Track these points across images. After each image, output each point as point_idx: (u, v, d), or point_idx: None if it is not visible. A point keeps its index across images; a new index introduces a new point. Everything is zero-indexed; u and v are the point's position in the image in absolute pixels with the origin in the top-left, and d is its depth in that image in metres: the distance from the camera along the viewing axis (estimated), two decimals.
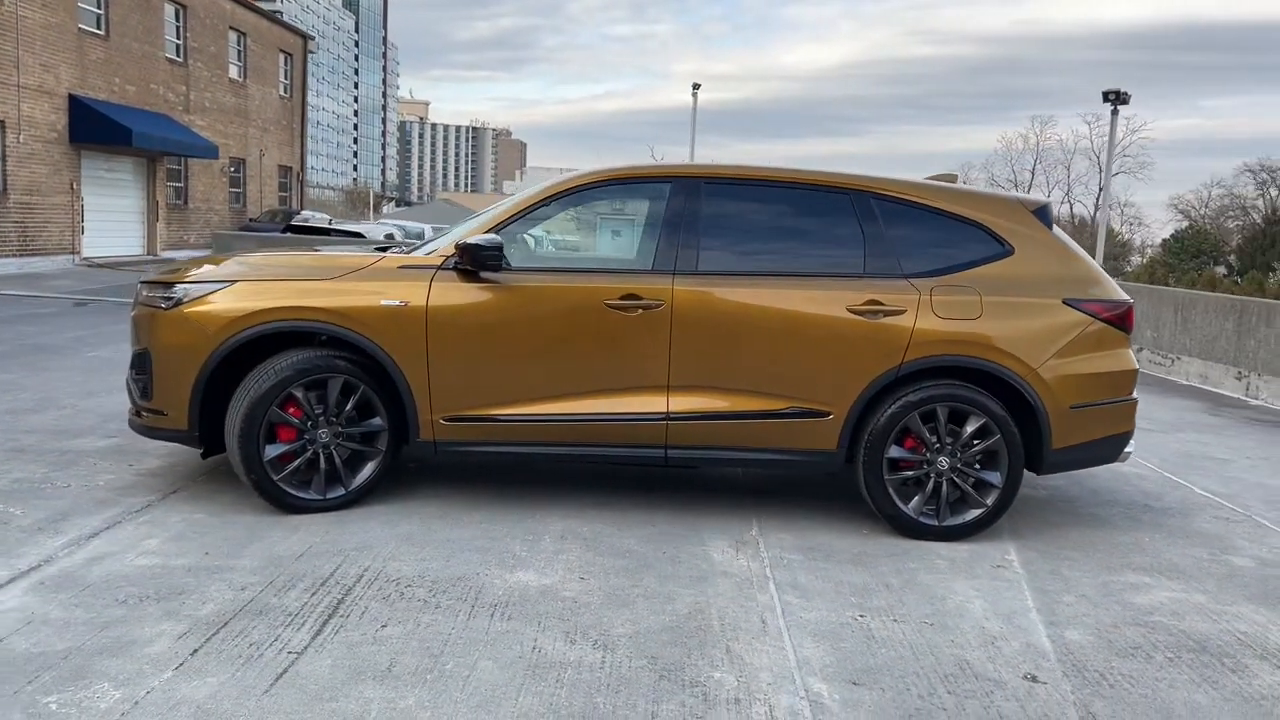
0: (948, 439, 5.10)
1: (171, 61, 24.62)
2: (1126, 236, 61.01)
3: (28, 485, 5.23)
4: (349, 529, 4.81)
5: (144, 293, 5.18)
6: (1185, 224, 57.30)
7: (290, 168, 33.05)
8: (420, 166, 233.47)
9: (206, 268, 5.18)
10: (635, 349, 5.03)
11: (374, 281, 4.99)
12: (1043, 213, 5.41)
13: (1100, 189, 30.60)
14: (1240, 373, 11.31)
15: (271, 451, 4.91)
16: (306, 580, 4.16)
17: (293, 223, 17.62)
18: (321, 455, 5.00)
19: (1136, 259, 57.95)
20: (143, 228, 24.00)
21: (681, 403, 5.06)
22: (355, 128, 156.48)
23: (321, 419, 4.97)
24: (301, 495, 4.98)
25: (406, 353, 4.94)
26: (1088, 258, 5.46)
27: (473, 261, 4.90)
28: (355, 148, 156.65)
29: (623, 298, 5.00)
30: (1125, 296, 5.35)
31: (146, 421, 5.11)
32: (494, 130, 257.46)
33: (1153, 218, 61.13)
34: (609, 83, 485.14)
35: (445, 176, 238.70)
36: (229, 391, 4.99)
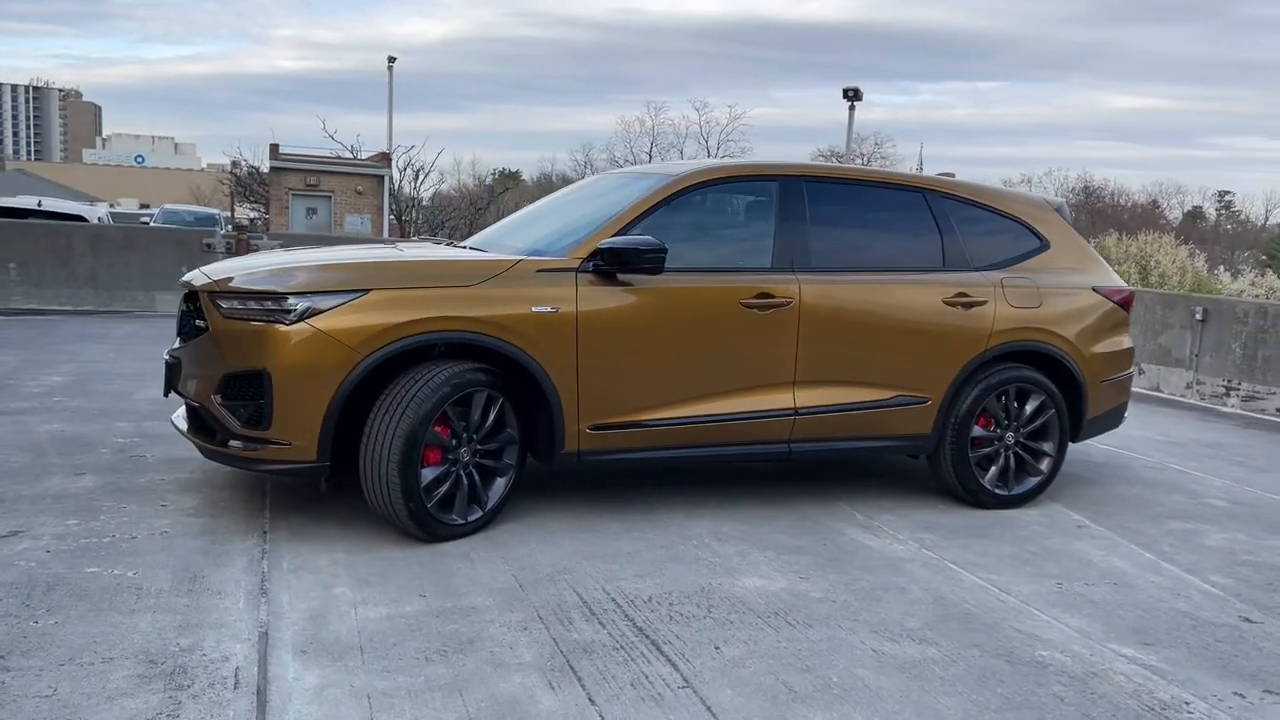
0: (1014, 416, 5.66)
1: None
2: None
3: (87, 543, 4.33)
4: (518, 551, 4.48)
5: (234, 304, 4.45)
6: None
7: None
8: None
9: (313, 273, 4.53)
10: (767, 347, 5.10)
11: (518, 287, 4.65)
12: (1061, 210, 6.11)
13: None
14: None
15: (427, 476, 4.45)
16: (569, 610, 3.87)
17: None
18: (463, 475, 4.60)
19: None
20: None
21: (806, 397, 5.20)
22: None
23: (464, 436, 4.58)
24: (449, 521, 4.56)
25: (557, 361, 4.66)
26: (1093, 250, 6.25)
27: (628, 264, 4.71)
28: None
29: (756, 296, 5.04)
30: (1125, 284, 6.19)
31: (256, 453, 4.40)
32: (61, 91, 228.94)
33: None
34: (199, 44, 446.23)
35: (2, 142, 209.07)
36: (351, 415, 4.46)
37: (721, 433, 5.06)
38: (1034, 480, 5.76)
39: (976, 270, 5.61)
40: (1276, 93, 78.60)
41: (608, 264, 4.74)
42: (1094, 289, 5.92)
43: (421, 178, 39.15)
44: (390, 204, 30.43)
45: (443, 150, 71.44)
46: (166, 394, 4.91)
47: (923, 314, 5.40)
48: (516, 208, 41.22)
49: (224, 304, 4.47)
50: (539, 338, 4.62)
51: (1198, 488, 6.53)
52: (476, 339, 4.52)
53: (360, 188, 28.18)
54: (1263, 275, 33.91)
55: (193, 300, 4.79)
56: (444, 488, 4.51)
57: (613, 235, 4.83)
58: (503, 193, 44.12)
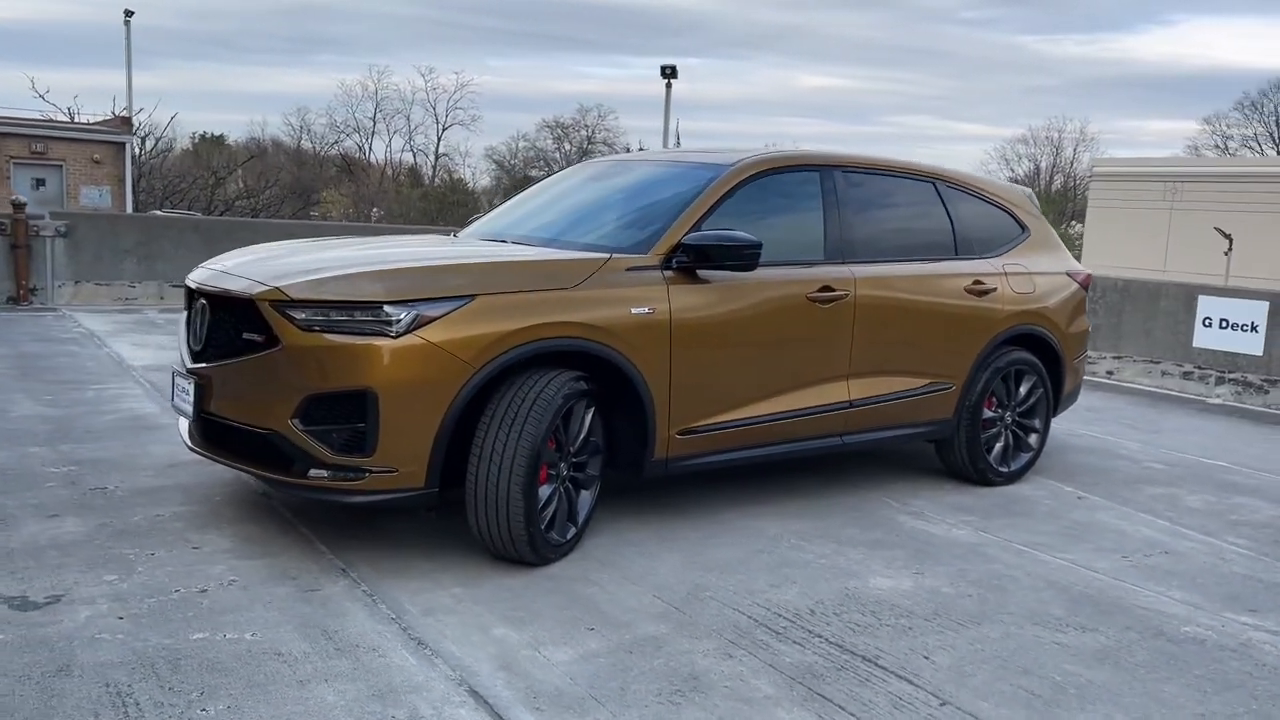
0: (1012, 397, 5.93)
1: None
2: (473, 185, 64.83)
3: (158, 603, 3.67)
4: (630, 569, 4.22)
5: (316, 315, 3.87)
6: (500, 175, 62.68)
7: None
8: None
9: (414, 278, 4.01)
10: (828, 340, 5.06)
11: (613, 288, 4.34)
12: (1031, 199, 6.43)
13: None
14: None
15: (542, 495, 4.09)
16: (750, 631, 3.69)
17: None
18: (561, 492, 4.27)
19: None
20: None
21: (859, 389, 5.21)
22: None
23: (564, 450, 4.25)
24: (554, 541, 4.22)
25: (653, 365, 4.41)
26: (1056, 235, 6.62)
27: (718, 260, 4.50)
28: None
29: (820, 289, 4.98)
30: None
31: (352, 483, 3.87)
32: None
33: (479, 166, 67.58)
34: None
35: None
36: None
37: (789, 429, 4.98)
38: (1026, 456, 6.07)
39: (981, 258, 5.81)
40: (945, 77, 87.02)
41: (693, 260, 4.51)
42: (1067, 273, 6.28)
43: (160, 143, 35.72)
44: (134, 174, 27.55)
45: (175, 114, 65.49)
46: (199, 416, 4.21)
47: (950, 301, 5.54)
48: (261, 178, 38.50)
49: (300, 315, 3.88)
50: (638, 341, 4.34)
51: (1125, 453, 7.11)
52: (584, 346, 4.19)
53: (97, 156, 25.28)
54: None
55: (224, 307, 4.15)
56: (552, 507, 4.17)
57: (689, 230, 4.61)
58: (247, 160, 41.04)
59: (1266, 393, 9.59)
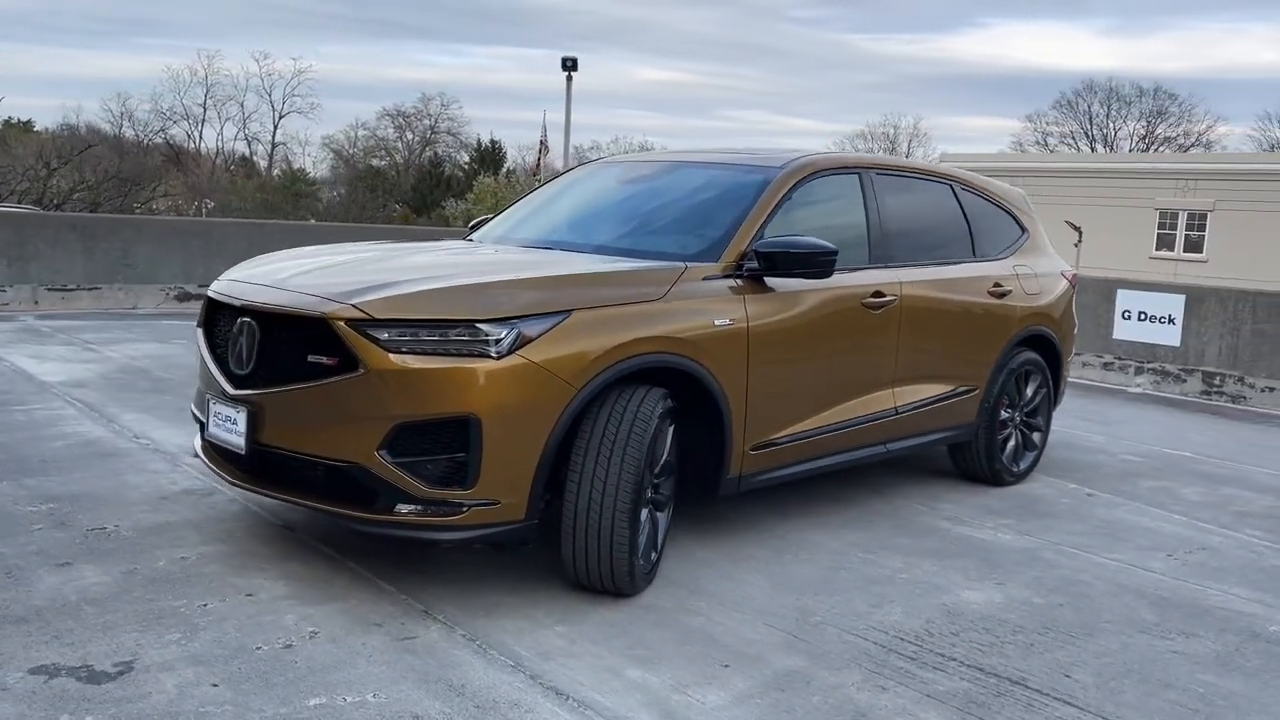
0: (1021, 397, 5.99)
1: None
2: (312, 173, 62.23)
3: (248, 667, 3.26)
4: (725, 595, 4.02)
5: (404, 335, 3.50)
6: (338, 164, 60.35)
7: None
8: None
9: (510, 292, 3.68)
10: (878, 346, 4.98)
11: (694, 299, 4.11)
12: (1026, 200, 6.50)
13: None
14: None
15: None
16: (884, 659, 3.55)
17: None
18: (649, 515, 4.03)
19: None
20: None
21: (903, 396, 5.14)
22: None
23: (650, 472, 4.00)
24: (643, 568, 3.96)
25: (732, 378, 4.21)
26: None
27: (789, 268, 4.33)
28: None
29: (873, 295, 4.88)
30: None
31: (448, 519, 3.53)
32: None
33: (317, 156, 64.75)
34: None
35: None
36: None
37: (843, 440, 4.86)
38: (1031, 455, 6.14)
39: (994, 260, 5.83)
40: (778, 73, 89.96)
41: (763, 268, 4.33)
42: (1061, 273, 6.38)
43: None
44: None
45: (2, 98, 59.69)
46: (251, 447, 3.76)
47: (978, 304, 5.54)
48: (97, 171, 35.29)
49: (384, 335, 3.51)
50: (720, 354, 4.14)
51: (1095, 446, 7.31)
52: (673, 361, 3.95)
53: None
54: None
55: (281, 326, 3.72)
56: (644, 533, 3.92)
57: (754, 236, 4.43)
58: (86, 149, 38.29)
59: (1184, 381, 10.08)
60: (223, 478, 4.01)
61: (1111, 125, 61.56)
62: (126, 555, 4.06)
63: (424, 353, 3.49)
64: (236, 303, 3.89)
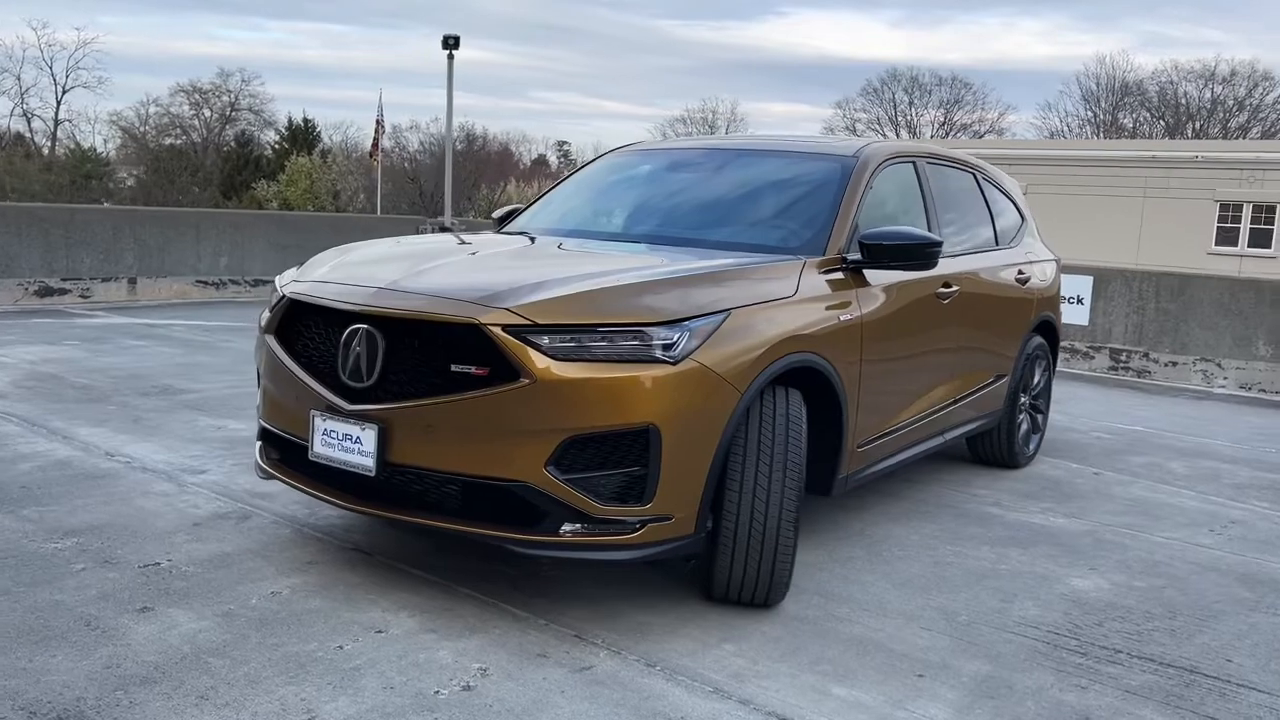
0: (1030, 381, 6.14)
1: None
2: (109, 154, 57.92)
3: (441, 703, 2.93)
4: (856, 599, 3.92)
5: (568, 341, 3.21)
6: (128, 142, 56.46)
7: None
8: None
9: (673, 292, 3.44)
10: (947, 337, 4.97)
11: (817, 294, 3.97)
12: (1017, 186, 6.64)
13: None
14: None
15: None
16: (1048, 655, 3.53)
17: None
18: None
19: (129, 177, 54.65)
20: None
21: (960, 386, 5.16)
22: None
23: None
24: None
25: (849, 375, 4.09)
26: None
27: (892, 259, 4.23)
28: None
29: (943, 285, 4.86)
30: None
31: (621, 538, 3.27)
32: None
33: (106, 134, 59.61)
34: None
35: None
36: None
37: (919, 432, 4.84)
38: (1037, 438, 6.31)
39: (1010, 248, 5.92)
40: (589, 55, 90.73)
41: (866, 260, 4.23)
42: (1055, 260, 6.56)
43: None
44: None
45: None
46: (383, 468, 3.38)
47: (1011, 291, 5.62)
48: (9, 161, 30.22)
49: (546, 340, 3.21)
50: (841, 351, 4.01)
51: (1063, 425, 7.59)
52: (808, 359, 3.78)
53: None
54: None
55: (413, 333, 3.36)
56: None
57: (850, 228, 4.32)
58: None
59: (1092, 358, 10.63)
60: (330, 502, 3.60)
61: (914, 112, 64.50)
62: (208, 594, 3.60)
63: (588, 359, 3.22)
64: (346, 307, 3.48)
